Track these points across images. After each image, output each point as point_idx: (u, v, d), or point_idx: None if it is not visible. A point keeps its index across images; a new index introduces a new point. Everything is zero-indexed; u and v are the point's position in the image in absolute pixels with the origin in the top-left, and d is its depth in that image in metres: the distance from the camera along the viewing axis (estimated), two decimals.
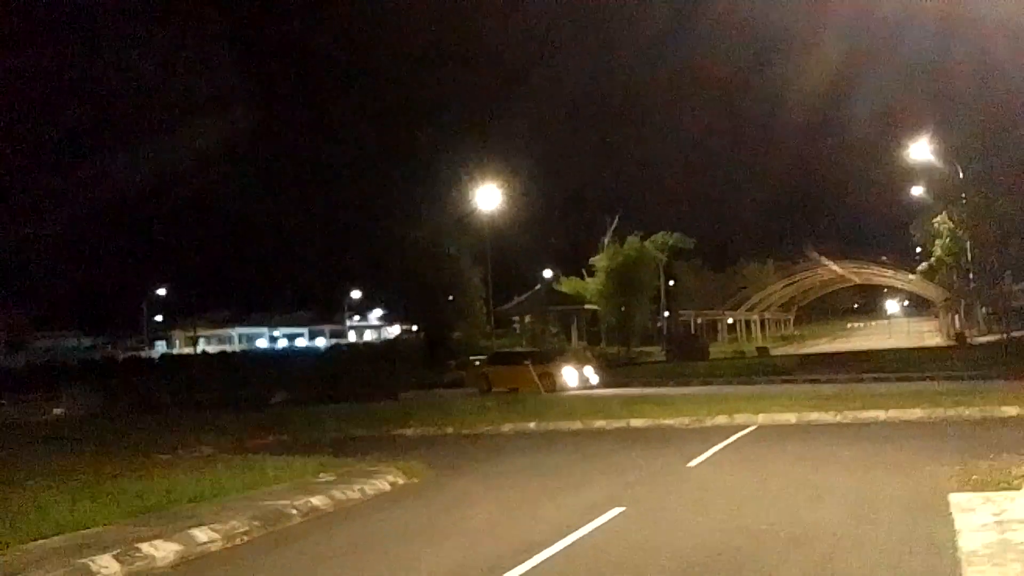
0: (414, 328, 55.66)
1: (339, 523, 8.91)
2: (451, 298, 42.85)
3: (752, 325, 61.63)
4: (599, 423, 16.17)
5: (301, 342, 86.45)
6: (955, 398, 15.35)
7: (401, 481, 11.01)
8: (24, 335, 67.67)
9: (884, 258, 56.99)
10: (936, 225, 42.54)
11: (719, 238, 71.83)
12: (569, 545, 7.38)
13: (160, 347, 77.25)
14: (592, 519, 8.19)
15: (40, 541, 7.83)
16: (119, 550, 7.38)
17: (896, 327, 66.45)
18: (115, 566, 7.15)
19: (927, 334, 54.13)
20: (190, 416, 21.85)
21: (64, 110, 78.48)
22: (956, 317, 46.84)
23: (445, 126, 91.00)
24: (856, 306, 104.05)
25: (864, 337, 58.59)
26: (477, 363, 30.29)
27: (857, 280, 66.26)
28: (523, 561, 6.92)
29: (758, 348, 44.76)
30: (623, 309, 44.42)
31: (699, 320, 53.55)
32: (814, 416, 15.22)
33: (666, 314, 51.05)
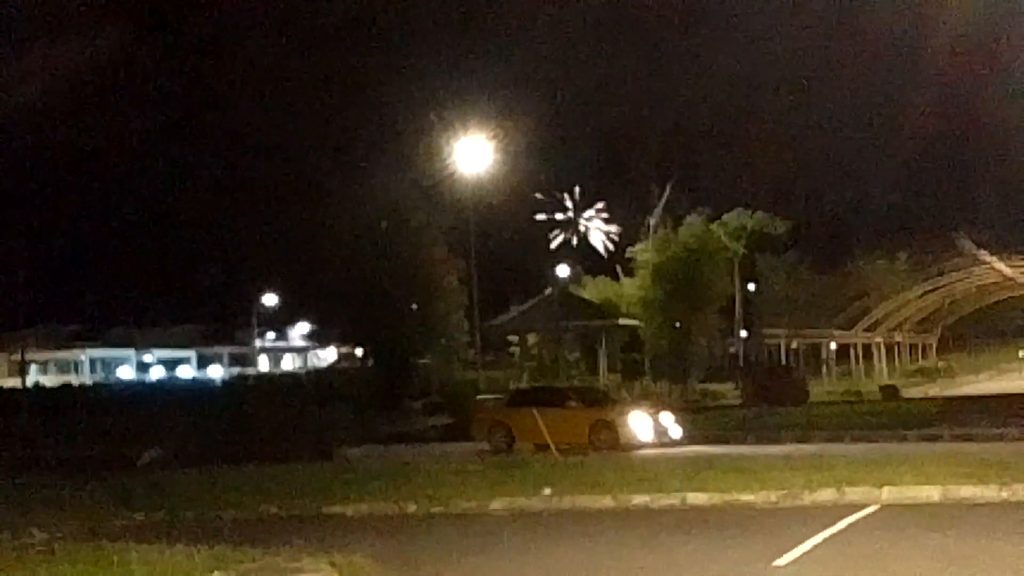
0: (359, 352, 55.66)
1: None
2: (415, 307, 42.90)
3: (874, 352, 61.72)
4: (639, 499, 16.15)
5: (186, 371, 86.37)
6: None
7: None
8: None
9: None
10: None
11: (824, 221, 71.84)
12: None
13: None
14: None
15: None
16: None
17: None
18: None
19: None
20: (15, 484, 21.77)
21: None
22: None
23: (407, 47, 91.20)
24: None
25: None
26: (490, 405, 30.30)
27: None
28: None
29: (883, 387, 44.83)
30: (677, 326, 44.54)
31: (793, 344, 53.66)
32: (967, 491, 15.19)
33: (743, 335, 51.19)
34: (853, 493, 15.43)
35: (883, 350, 62.64)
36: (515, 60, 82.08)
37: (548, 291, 50.89)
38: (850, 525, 13.54)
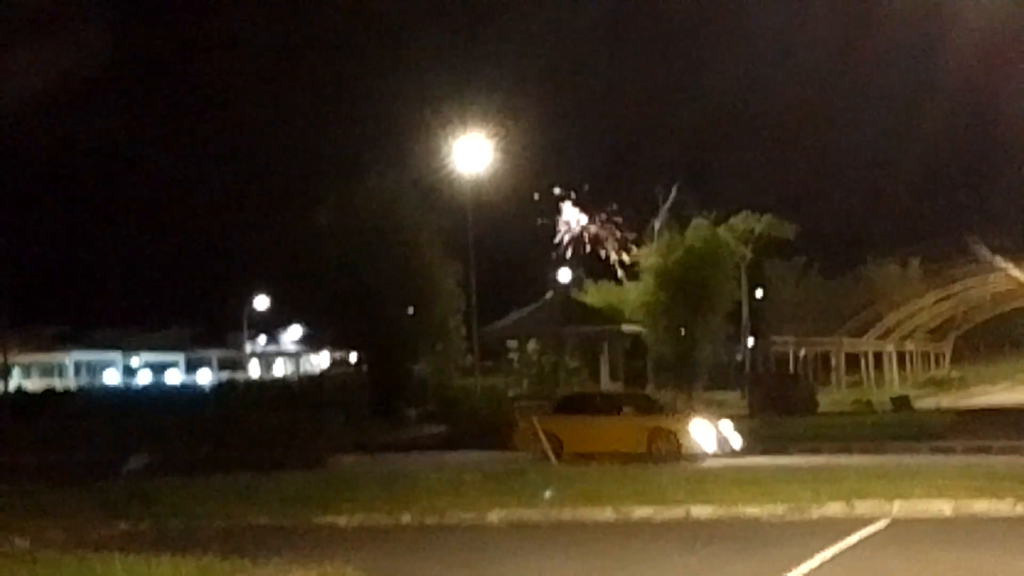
0: (353, 357, 55.65)
1: None
2: (412, 311, 42.88)
3: (886, 361, 61.74)
4: (641, 511, 16.17)
5: (174, 376, 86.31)
6: None
7: None
8: None
9: None
10: None
11: (834, 224, 71.85)
12: None
13: None
14: None
15: None
16: None
17: None
18: None
19: None
20: None
21: None
22: None
23: (404, 42, 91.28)
24: None
25: None
26: (533, 412, 30.02)
27: None
28: None
29: (895, 398, 44.81)
30: (683, 332, 44.52)
31: (802, 352, 53.73)
32: (981, 506, 15.21)
33: (750, 341, 51.17)
34: (863, 507, 15.45)
35: (895, 359, 62.65)
36: (518, 57, 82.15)
37: (549, 295, 50.88)
38: (860, 540, 13.54)
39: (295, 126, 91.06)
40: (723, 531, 14.75)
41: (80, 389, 67.85)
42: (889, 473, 18.25)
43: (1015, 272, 57.95)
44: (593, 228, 56.92)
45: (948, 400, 47.51)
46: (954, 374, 67.05)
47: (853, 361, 60.12)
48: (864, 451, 25.02)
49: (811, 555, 12.44)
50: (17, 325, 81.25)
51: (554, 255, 58.18)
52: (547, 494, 17.11)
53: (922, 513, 15.21)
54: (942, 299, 62.42)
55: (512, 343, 51.09)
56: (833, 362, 58.06)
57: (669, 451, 25.18)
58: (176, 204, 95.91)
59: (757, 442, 27.14)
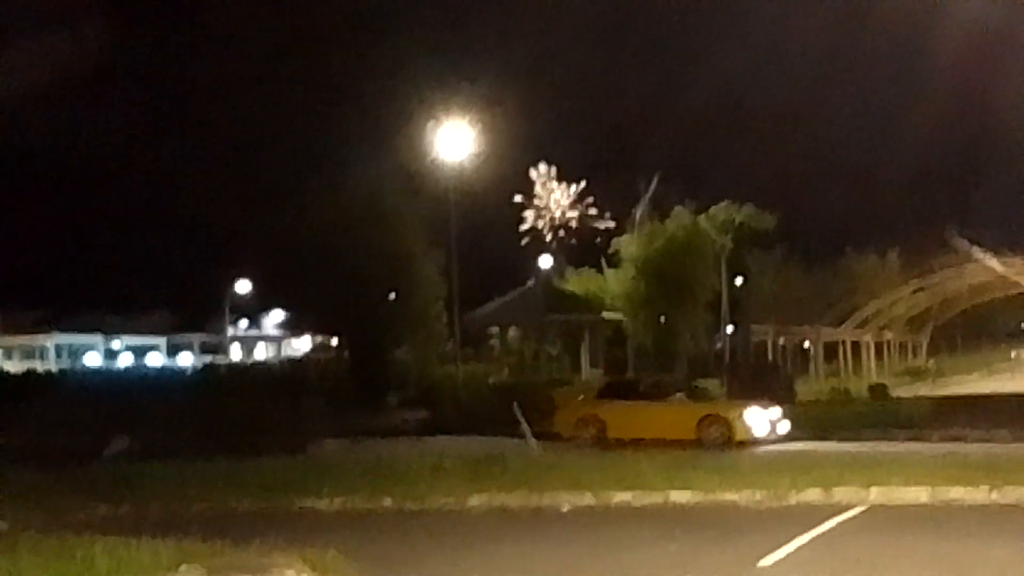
0: (334, 342, 55.62)
1: None
2: (394, 297, 42.84)
3: (864, 350, 61.90)
4: (621, 497, 16.23)
5: (155, 359, 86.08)
6: None
7: None
8: None
9: None
10: None
11: (813, 215, 72.08)
12: None
13: None
14: None
15: None
16: None
17: None
18: None
19: None
20: None
21: None
22: None
23: (388, 30, 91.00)
24: None
25: None
26: (580, 396, 29.67)
27: None
28: None
29: (872, 387, 44.89)
30: (663, 321, 44.60)
31: (780, 341, 53.74)
32: (956, 493, 15.32)
33: (729, 330, 51.27)
34: (840, 493, 15.55)
35: (872, 348, 62.81)
36: (503, 46, 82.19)
37: (530, 283, 50.91)
38: (837, 526, 13.63)
39: (278, 114, 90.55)
40: (702, 516, 14.84)
41: (61, 372, 67.58)
42: (866, 460, 18.36)
43: (992, 264, 58.16)
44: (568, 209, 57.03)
45: (925, 389, 47.68)
46: (931, 364, 67.30)
47: (831, 350, 60.23)
48: (841, 439, 25.02)
49: (789, 540, 12.53)
50: None
51: (533, 241, 58.38)
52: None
53: (898, 500, 15.31)
54: (920, 290, 62.56)
55: (494, 330, 51.19)
56: (811, 351, 58.18)
57: (720, 437, 24.83)
58: (158, 189, 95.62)
59: None
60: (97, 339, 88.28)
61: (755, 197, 47.21)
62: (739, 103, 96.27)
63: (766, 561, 11.53)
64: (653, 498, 16.07)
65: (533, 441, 24.99)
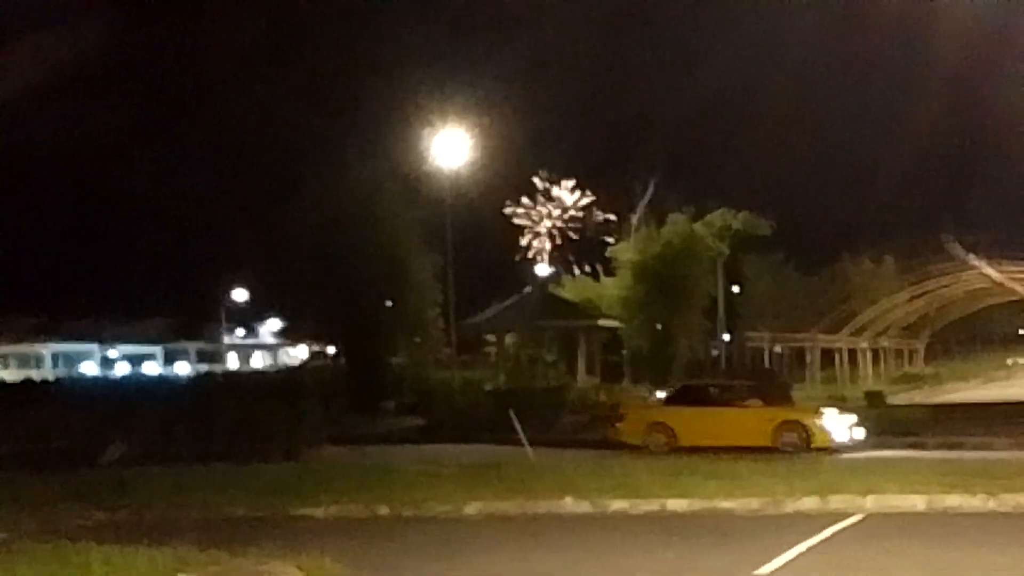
0: (331, 350, 55.59)
1: None
2: (390, 304, 42.81)
3: (860, 357, 61.96)
4: (618, 504, 16.19)
5: (151, 367, 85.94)
6: None
7: None
8: None
9: None
10: None
11: (810, 221, 72.02)
12: None
13: None
14: None
15: None
16: None
17: None
18: None
19: None
20: None
21: None
22: None
23: (384, 34, 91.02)
24: (1023, 332, 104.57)
25: None
26: (649, 402, 29.35)
27: None
28: None
29: (869, 393, 44.83)
30: (659, 327, 44.60)
31: (777, 347, 53.85)
32: (953, 500, 15.31)
33: (726, 337, 51.29)
34: (837, 501, 15.52)
35: (869, 355, 62.87)
36: (499, 51, 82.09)
37: (527, 290, 50.94)
38: (834, 534, 13.60)
39: (275, 119, 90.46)
40: (699, 524, 14.79)
41: (58, 380, 67.53)
42: (862, 468, 18.35)
43: (988, 271, 58.21)
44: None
45: (921, 396, 47.68)
46: (927, 370, 67.42)
47: (828, 357, 60.33)
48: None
49: (786, 548, 12.50)
50: None
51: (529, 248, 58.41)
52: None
53: (895, 508, 15.29)
54: (916, 296, 62.67)
55: (490, 337, 51.13)
56: (808, 358, 58.21)
57: (798, 443, 24.29)
58: (154, 196, 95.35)
59: None
60: (93, 347, 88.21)
61: (751, 201, 47.26)
62: (735, 108, 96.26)
63: (763, 569, 11.51)
64: (650, 506, 16.03)
65: (529, 448, 24.97)
